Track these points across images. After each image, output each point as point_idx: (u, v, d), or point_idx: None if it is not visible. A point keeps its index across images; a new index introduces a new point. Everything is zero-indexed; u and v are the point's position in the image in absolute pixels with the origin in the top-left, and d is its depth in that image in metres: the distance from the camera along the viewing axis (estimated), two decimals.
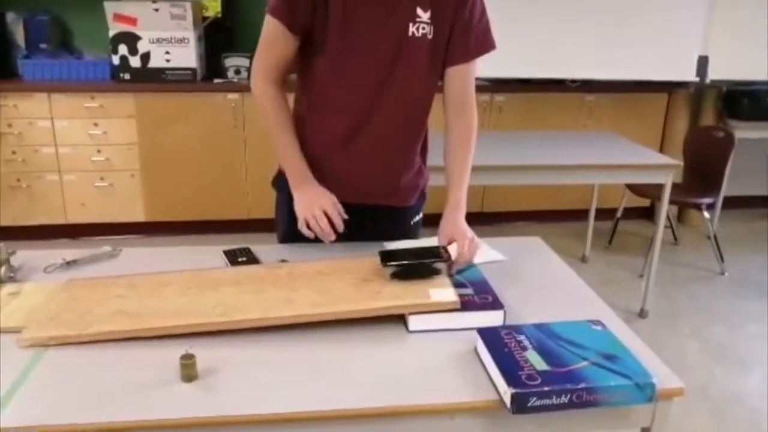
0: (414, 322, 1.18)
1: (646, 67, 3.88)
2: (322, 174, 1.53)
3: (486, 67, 3.73)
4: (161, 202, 3.77)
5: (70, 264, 1.43)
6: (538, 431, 1.03)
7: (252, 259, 1.48)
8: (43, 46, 3.75)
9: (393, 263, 1.28)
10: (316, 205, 1.44)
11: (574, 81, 4.01)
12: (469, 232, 1.40)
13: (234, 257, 1.48)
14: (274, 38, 1.44)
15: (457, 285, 1.27)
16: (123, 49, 3.57)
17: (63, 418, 0.92)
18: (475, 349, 1.12)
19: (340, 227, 1.44)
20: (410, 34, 1.43)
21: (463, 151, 1.53)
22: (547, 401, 0.96)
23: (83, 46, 3.92)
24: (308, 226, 1.45)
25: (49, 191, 3.66)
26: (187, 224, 3.79)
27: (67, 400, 0.96)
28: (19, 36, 3.74)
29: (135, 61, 3.60)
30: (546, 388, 0.95)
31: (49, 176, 3.64)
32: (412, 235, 1.68)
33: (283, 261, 1.45)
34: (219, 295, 1.22)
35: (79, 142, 3.61)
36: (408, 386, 1.03)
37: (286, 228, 1.59)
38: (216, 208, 3.79)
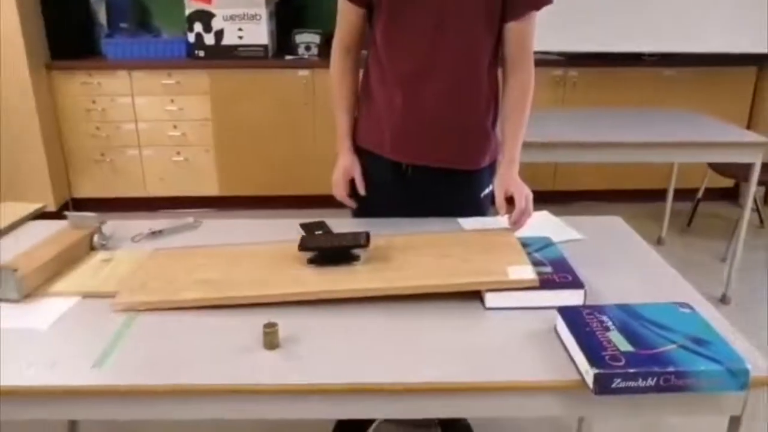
0: (491, 299, 1.17)
1: (732, 38, 3.66)
2: (383, 132, 1.58)
3: (559, 40, 3.68)
4: (234, 176, 3.87)
5: (155, 234, 1.49)
6: (620, 413, 1.01)
7: (327, 233, 1.50)
8: (123, 25, 3.89)
9: (310, 248, 1.28)
10: (336, 173, 1.65)
11: (652, 55, 3.82)
12: (525, 186, 1.44)
13: (310, 230, 1.51)
14: (342, 13, 1.57)
15: (536, 263, 1.25)
16: (198, 26, 3.66)
17: (154, 379, 0.96)
18: (555, 328, 1.10)
19: (342, 198, 1.66)
20: None
21: (519, 109, 1.55)
22: (632, 383, 0.93)
23: (161, 24, 4.05)
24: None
25: (129, 165, 3.82)
26: (258, 198, 3.89)
27: (157, 363, 1.00)
28: (102, 16, 3.90)
29: (209, 39, 3.68)
30: (631, 370, 0.92)
31: (129, 151, 3.80)
32: (480, 208, 1.66)
33: None
34: (296, 267, 1.24)
35: (156, 118, 3.74)
36: (485, 363, 1.02)
37: (357, 203, 1.68)
38: (285, 183, 3.86)
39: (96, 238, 1.44)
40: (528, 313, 1.16)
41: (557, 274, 1.23)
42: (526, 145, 2.54)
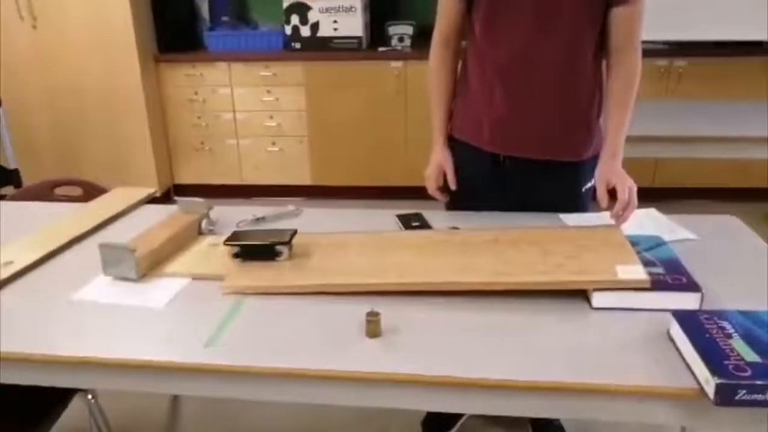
0: (599, 298, 1.12)
1: None
2: (482, 124, 1.56)
3: (663, 28, 3.47)
4: (326, 166, 3.94)
5: (259, 220, 1.54)
6: (740, 428, 0.95)
7: (424, 224, 1.50)
8: (224, 19, 4.04)
9: (235, 243, 1.29)
10: (429, 168, 1.65)
11: None
12: (628, 178, 1.39)
13: (407, 221, 1.51)
14: (442, 5, 1.57)
15: (646, 263, 1.19)
16: (295, 19, 3.74)
17: (261, 361, 0.99)
18: (668, 333, 1.04)
19: (434, 192, 1.66)
20: None
21: (624, 101, 1.49)
22: (758, 396, 0.86)
23: (259, 17, 4.17)
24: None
25: (227, 154, 3.98)
26: (349, 189, 3.94)
27: (264, 345, 1.04)
28: (205, 10, 4.07)
29: (305, 31, 3.76)
30: (759, 382, 0.86)
31: (227, 140, 3.95)
32: (581, 203, 1.61)
33: (454, 228, 1.45)
34: (398, 257, 1.25)
35: (253, 109, 3.87)
36: (591, 364, 0.98)
37: (450, 196, 1.68)
38: (376, 174, 3.90)
39: (204, 223, 1.50)
40: (637, 315, 1.11)
41: (670, 275, 1.16)
42: (627, 139, 2.46)
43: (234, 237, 1.32)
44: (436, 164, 1.64)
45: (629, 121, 1.50)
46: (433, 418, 1.95)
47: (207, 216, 1.51)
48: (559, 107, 1.51)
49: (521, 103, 1.51)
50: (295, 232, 1.31)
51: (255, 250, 1.29)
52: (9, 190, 3.12)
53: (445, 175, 1.64)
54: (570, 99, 1.51)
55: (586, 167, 1.58)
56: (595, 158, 1.57)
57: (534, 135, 1.54)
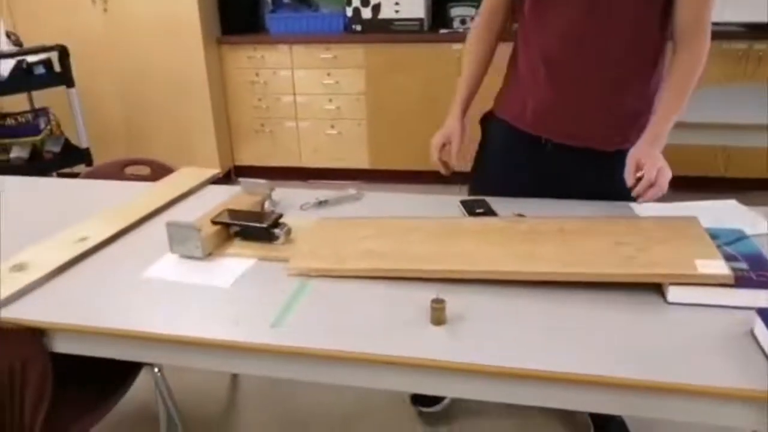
0: (675, 293, 1.07)
1: None
2: (526, 105, 1.53)
3: (741, 9, 3.27)
4: (384, 150, 3.93)
5: (321, 203, 1.54)
6: None
7: (489, 211, 1.46)
8: (286, 1, 4.06)
9: (223, 222, 1.33)
10: (436, 135, 1.59)
11: None
12: (661, 160, 1.31)
13: (471, 208, 1.48)
14: None
15: (727, 257, 1.12)
16: (356, 1, 3.72)
17: (327, 343, 0.99)
18: (752, 332, 0.98)
19: (434, 162, 1.57)
20: None
21: (682, 86, 1.39)
22: None
23: (320, 0, 4.17)
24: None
25: (287, 136, 4.02)
26: (407, 173, 3.92)
27: (329, 328, 1.03)
28: None
29: (366, 13, 3.73)
30: None
31: (287, 122, 3.99)
32: (623, 195, 1.46)
33: (519, 215, 1.42)
34: (464, 244, 1.22)
35: (313, 92, 3.88)
36: (666, 362, 0.94)
37: (482, 173, 1.68)
38: None
39: (267, 204, 1.51)
40: (717, 311, 1.05)
41: (754, 271, 1.10)
42: (696, 126, 2.34)
43: (222, 215, 1.36)
44: (444, 132, 1.58)
45: (682, 110, 1.40)
46: None
47: (270, 197, 1.52)
48: (609, 96, 1.45)
49: (565, 87, 1.46)
50: (280, 216, 1.34)
51: (251, 231, 1.33)
52: (81, 168, 3.24)
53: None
54: (622, 88, 1.44)
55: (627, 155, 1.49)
56: None
57: (576, 122, 1.48)
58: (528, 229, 1.28)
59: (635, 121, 1.48)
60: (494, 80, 1.67)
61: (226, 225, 1.34)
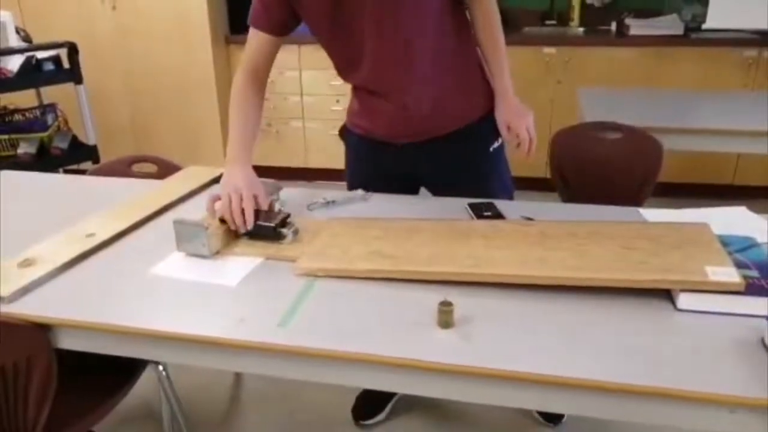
0: (685, 299, 1.06)
1: None
2: (374, 116, 1.59)
3: (752, 16, 3.26)
4: None
5: (329, 203, 1.54)
6: None
7: (496, 214, 1.46)
8: None
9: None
10: (232, 187, 1.30)
11: None
12: (524, 112, 1.50)
13: (479, 210, 1.47)
14: (258, 44, 1.53)
15: (738, 265, 1.11)
16: None
17: (335, 344, 0.99)
18: (762, 340, 0.97)
19: (249, 223, 1.28)
20: None
21: (491, 38, 1.53)
22: None
23: None
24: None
25: (293, 136, 4.02)
26: None
27: (337, 328, 1.03)
28: None
29: None
30: None
31: (294, 123, 3.99)
32: (492, 165, 1.63)
33: (528, 219, 1.41)
34: (471, 246, 1.22)
35: (321, 92, 3.88)
36: (675, 368, 0.93)
37: (353, 181, 1.72)
38: None
39: (275, 203, 1.51)
40: (727, 319, 1.04)
41: (765, 279, 1.08)
42: (707, 133, 2.33)
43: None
44: (248, 192, 1.30)
45: (506, 58, 1.54)
46: (366, 400, 1.97)
47: (277, 197, 1.51)
48: (441, 87, 1.53)
49: (398, 98, 1.52)
50: (288, 215, 1.34)
51: (262, 231, 1.31)
52: (87, 165, 3.24)
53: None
54: (445, 73, 1.52)
55: (483, 127, 1.59)
56: (490, 115, 1.57)
57: (421, 122, 1.55)
58: (538, 233, 1.27)
59: (475, 95, 1.59)
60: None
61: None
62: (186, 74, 3.82)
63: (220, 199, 1.32)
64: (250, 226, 1.29)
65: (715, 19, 3.26)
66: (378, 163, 1.67)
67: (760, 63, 3.39)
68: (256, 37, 1.53)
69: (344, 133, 1.76)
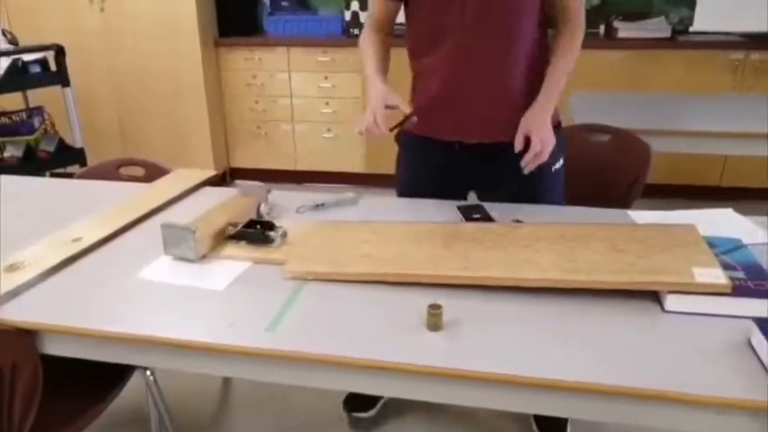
0: (673, 301, 1.07)
1: None
2: (432, 114, 1.56)
3: (739, 20, 3.30)
4: (381, 155, 3.91)
5: (318, 207, 1.53)
6: None
7: (486, 217, 1.46)
8: (284, 3, 4.06)
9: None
10: (368, 111, 1.44)
11: None
12: (546, 129, 1.45)
13: (468, 213, 1.47)
14: (375, 4, 1.60)
15: (725, 266, 1.12)
16: (355, 5, 3.73)
17: (324, 348, 0.98)
18: (749, 341, 0.98)
19: (384, 130, 1.43)
20: None
21: (563, 54, 1.53)
22: None
23: (319, 3, 4.17)
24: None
25: (282, 139, 4.01)
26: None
27: (326, 332, 1.02)
28: None
29: (365, 17, 3.73)
30: None
31: (283, 125, 3.98)
32: (554, 183, 1.62)
33: (517, 221, 1.41)
34: (461, 249, 1.22)
35: (310, 95, 3.88)
36: (663, 370, 0.93)
37: (403, 185, 1.72)
38: None
39: (262, 207, 1.50)
40: (714, 321, 1.05)
41: (752, 280, 1.09)
42: (694, 135, 2.35)
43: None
44: (379, 95, 1.45)
45: (568, 75, 1.53)
46: (356, 395, 1.96)
47: (265, 200, 1.51)
48: (503, 90, 1.53)
49: (465, 90, 1.52)
50: (276, 218, 1.36)
51: (249, 235, 1.32)
52: (75, 168, 3.22)
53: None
54: (513, 81, 1.52)
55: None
56: (558, 134, 1.55)
57: (482, 120, 1.54)
58: (527, 235, 1.27)
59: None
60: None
61: (222, 227, 1.33)
62: (175, 77, 3.80)
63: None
64: (385, 131, 1.43)
65: (702, 22, 3.29)
66: (431, 168, 1.66)
67: (746, 65, 3.42)
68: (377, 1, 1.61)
69: (399, 136, 1.73)
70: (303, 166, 4.04)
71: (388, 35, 1.65)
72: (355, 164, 3.98)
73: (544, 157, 1.44)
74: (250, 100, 3.97)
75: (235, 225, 1.35)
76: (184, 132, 3.93)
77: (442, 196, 1.59)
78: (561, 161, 1.63)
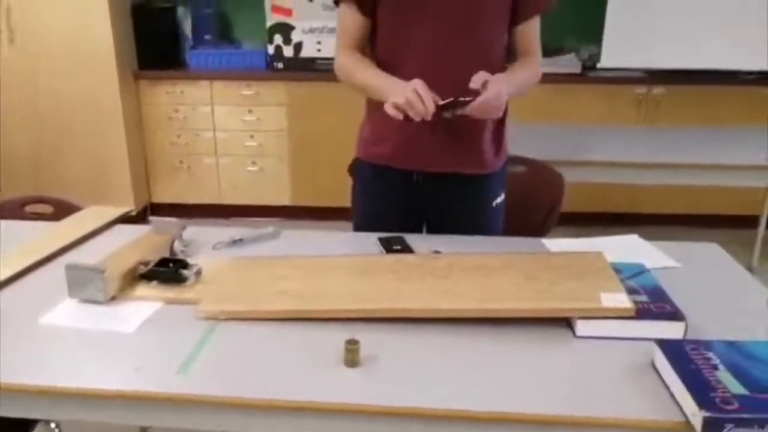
0: (582, 327, 1.10)
1: None
2: (391, 143, 1.57)
3: (642, 56, 3.53)
4: (306, 186, 3.91)
5: (236, 242, 1.50)
6: None
7: (406, 248, 1.47)
8: (207, 37, 4.02)
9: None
10: (407, 88, 1.34)
11: (749, 73, 3.61)
12: (504, 88, 1.39)
13: (389, 245, 1.48)
14: (345, 20, 1.54)
15: (630, 291, 1.17)
16: (278, 39, 3.74)
17: (238, 390, 0.95)
18: (652, 363, 1.02)
19: (430, 106, 1.33)
20: None
21: (522, 68, 1.57)
22: (745, 430, 0.84)
23: (242, 36, 4.15)
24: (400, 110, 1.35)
25: (206, 173, 3.93)
26: (329, 209, 3.90)
27: (239, 373, 0.99)
28: (187, 28, 4.04)
29: (288, 51, 3.75)
30: (746, 416, 0.84)
31: (206, 159, 3.91)
32: (492, 219, 1.66)
33: (436, 252, 1.43)
34: (380, 281, 1.22)
35: (234, 128, 3.83)
36: (575, 395, 0.96)
37: (361, 217, 1.69)
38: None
39: (177, 244, 1.46)
40: (622, 344, 1.09)
41: (654, 303, 1.15)
42: (604, 165, 2.48)
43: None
44: (421, 82, 1.35)
45: (525, 84, 1.56)
46: None
47: (180, 237, 1.46)
48: (467, 120, 1.50)
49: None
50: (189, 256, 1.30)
51: (161, 274, 1.27)
52: None
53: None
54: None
55: (494, 181, 1.64)
56: (503, 172, 1.65)
57: (444, 149, 1.56)
58: (445, 266, 1.29)
59: (496, 145, 1.62)
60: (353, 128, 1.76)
61: (133, 266, 1.28)
62: (91, 110, 3.67)
63: (395, 106, 1.34)
64: (432, 108, 1.33)
65: (608, 59, 3.50)
66: (389, 198, 1.64)
67: (649, 99, 3.66)
68: (346, 15, 1.54)
69: (354, 167, 1.71)
70: (227, 199, 3.97)
71: (366, 56, 1.58)
72: (281, 197, 3.94)
73: (498, 111, 1.39)
74: (172, 134, 3.88)
75: (146, 264, 1.30)
76: (102, 167, 3.78)
77: (401, 228, 1.57)
78: (502, 196, 1.67)
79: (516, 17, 1.55)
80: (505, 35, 1.56)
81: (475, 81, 1.38)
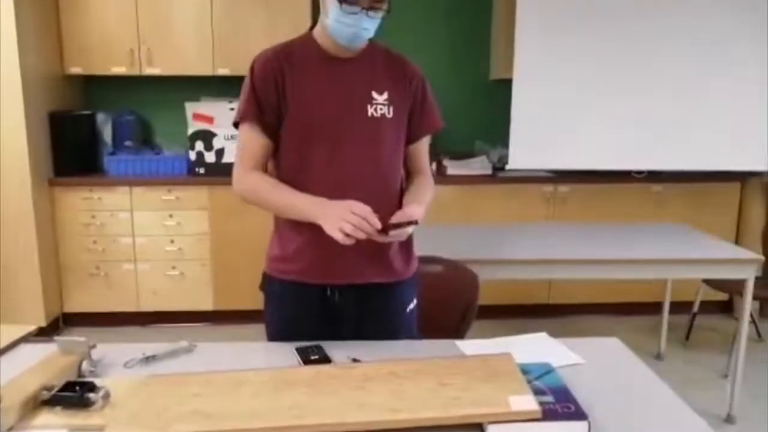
0: (493, 431, 1.13)
1: (716, 156, 3.81)
2: (304, 260, 1.59)
3: (548, 158, 3.81)
4: (229, 291, 3.85)
5: (149, 359, 1.46)
6: None
7: (323, 357, 1.48)
8: (127, 143, 4.03)
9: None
10: (345, 212, 1.39)
11: (639, 172, 3.95)
12: (417, 212, 1.49)
13: (306, 354, 1.48)
14: (249, 141, 1.57)
15: (537, 392, 1.22)
16: (199, 145, 3.79)
17: None
18: None
19: (377, 224, 1.40)
20: (369, 114, 1.55)
21: (422, 187, 1.66)
22: None
23: (163, 142, 4.19)
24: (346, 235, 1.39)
25: (124, 279, 3.81)
26: (251, 312, 3.83)
27: None
28: (107, 134, 4.04)
29: (210, 157, 3.80)
30: None
31: (125, 265, 3.80)
32: (407, 325, 1.70)
33: (354, 360, 1.44)
34: (294, 395, 1.21)
35: (154, 233, 3.78)
36: None
37: (275, 330, 1.67)
38: None
39: (85, 364, 1.40)
40: None
41: (559, 404, 1.20)
42: (522, 263, 2.61)
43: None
44: (358, 203, 1.40)
45: (430, 201, 1.65)
46: None
47: (89, 356, 1.41)
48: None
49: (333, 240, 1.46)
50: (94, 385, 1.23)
51: (66, 399, 1.21)
52: None
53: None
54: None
55: (407, 287, 1.70)
56: (413, 279, 1.70)
57: (358, 262, 1.58)
58: (360, 376, 1.30)
59: (406, 251, 1.70)
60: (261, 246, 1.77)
61: (35, 392, 1.22)
62: (3, 218, 3.54)
63: (342, 232, 1.38)
64: (378, 226, 1.40)
65: (515, 161, 3.75)
66: (303, 311, 1.63)
67: (556, 197, 3.92)
68: (251, 136, 1.56)
69: (265, 283, 1.69)
70: (146, 306, 3.84)
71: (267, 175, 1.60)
72: (203, 302, 3.85)
73: (408, 216, 1.46)
74: (88, 240, 3.78)
75: (50, 389, 1.24)
76: (10, 275, 3.60)
77: (317, 335, 1.56)
78: (414, 302, 1.72)
79: (409, 138, 1.66)
80: (401, 160, 1.66)
81: (398, 217, 1.47)
